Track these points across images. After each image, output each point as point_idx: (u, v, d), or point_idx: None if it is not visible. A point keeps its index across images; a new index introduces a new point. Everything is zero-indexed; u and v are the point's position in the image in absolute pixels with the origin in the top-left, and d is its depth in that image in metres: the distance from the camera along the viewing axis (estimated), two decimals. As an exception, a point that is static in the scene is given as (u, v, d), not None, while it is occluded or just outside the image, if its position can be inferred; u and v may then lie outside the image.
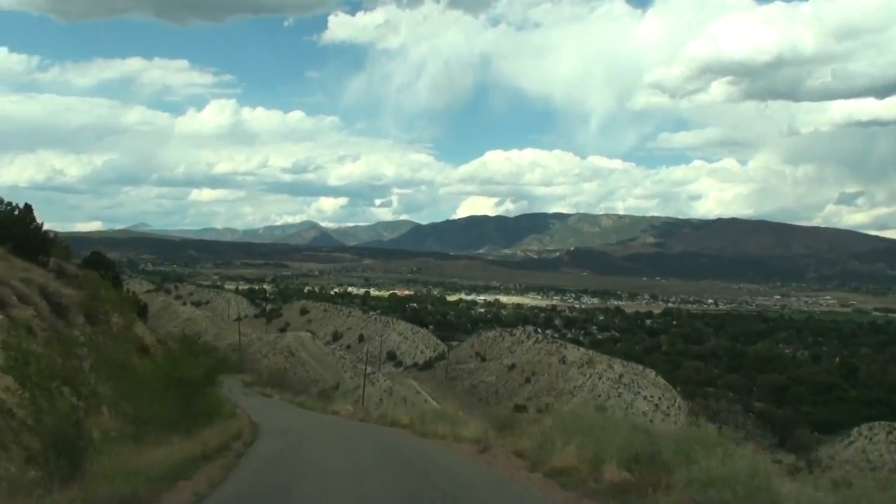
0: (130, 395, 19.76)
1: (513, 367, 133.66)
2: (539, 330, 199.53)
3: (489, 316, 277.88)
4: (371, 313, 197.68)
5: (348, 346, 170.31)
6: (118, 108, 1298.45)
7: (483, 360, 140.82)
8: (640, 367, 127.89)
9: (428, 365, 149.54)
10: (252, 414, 34.75)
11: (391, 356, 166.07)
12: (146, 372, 22.53)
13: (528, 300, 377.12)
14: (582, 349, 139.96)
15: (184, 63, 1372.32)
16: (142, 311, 42.97)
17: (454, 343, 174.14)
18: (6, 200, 29.10)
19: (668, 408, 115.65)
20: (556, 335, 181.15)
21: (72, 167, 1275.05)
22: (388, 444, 21.52)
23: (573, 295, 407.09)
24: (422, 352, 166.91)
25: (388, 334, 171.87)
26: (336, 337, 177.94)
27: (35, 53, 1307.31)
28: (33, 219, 29.40)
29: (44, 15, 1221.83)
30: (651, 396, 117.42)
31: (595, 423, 15.46)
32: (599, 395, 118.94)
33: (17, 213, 28.92)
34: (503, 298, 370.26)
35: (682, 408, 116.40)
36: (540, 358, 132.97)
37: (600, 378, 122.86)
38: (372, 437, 24.12)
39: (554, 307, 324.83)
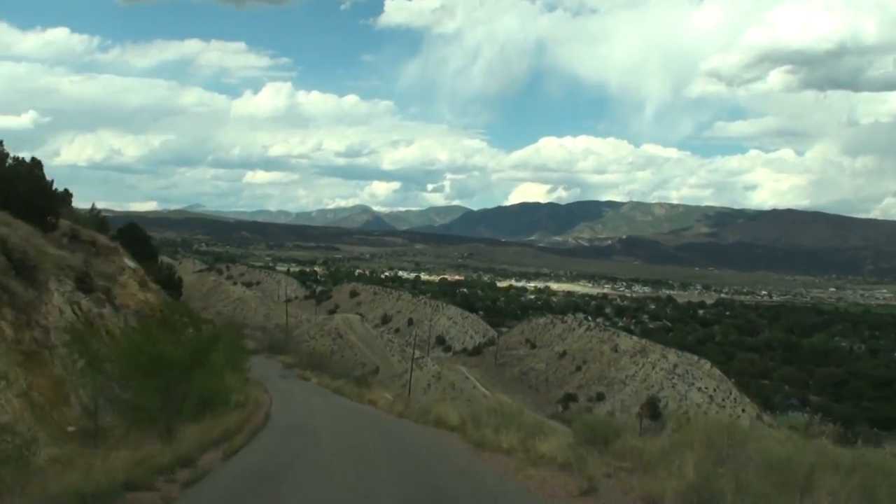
0: (94, 379, 15.76)
1: (563, 354, 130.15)
2: (590, 318, 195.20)
3: (539, 303, 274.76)
4: (421, 297, 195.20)
5: (397, 330, 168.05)
6: (175, 90, 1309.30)
7: (533, 346, 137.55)
8: (695, 358, 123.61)
9: (477, 350, 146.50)
10: (275, 402, 32.23)
11: (440, 341, 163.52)
12: (115, 349, 17.33)
13: (579, 288, 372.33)
14: (634, 338, 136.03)
15: (241, 45, 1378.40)
16: (174, 285, 40.40)
17: (504, 329, 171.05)
18: (11, 154, 26.21)
19: (723, 400, 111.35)
20: (608, 323, 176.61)
21: (129, 147, 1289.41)
22: (427, 464, 15.47)
23: (624, 283, 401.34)
24: (471, 337, 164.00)
25: (437, 319, 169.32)
26: (385, 320, 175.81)
27: (96, 34, 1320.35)
28: (41, 175, 26.43)
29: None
30: (706, 388, 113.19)
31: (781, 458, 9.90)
32: (652, 386, 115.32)
33: (21, 167, 25.76)
34: (553, 285, 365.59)
35: (737, 400, 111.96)
36: (591, 346, 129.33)
37: (653, 368, 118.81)
38: (406, 448, 18.48)
39: (605, 295, 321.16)
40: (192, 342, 18.48)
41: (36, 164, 26.77)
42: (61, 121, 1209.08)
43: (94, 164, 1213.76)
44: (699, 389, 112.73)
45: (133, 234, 41.86)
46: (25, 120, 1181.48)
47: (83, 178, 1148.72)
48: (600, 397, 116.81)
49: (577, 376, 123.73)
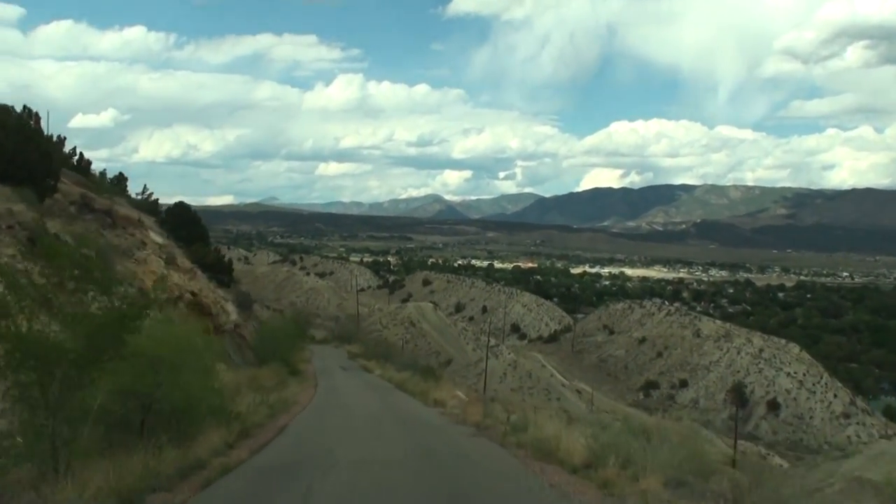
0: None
1: (643, 340, 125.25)
2: (667, 303, 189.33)
3: (614, 288, 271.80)
4: (495, 285, 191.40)
5: (471, 318, 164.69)
6: (249, 84, 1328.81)
7: (611, 332, 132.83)
8: (782, 342, 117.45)
9: (553, 338, 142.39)
10: (314, 402, 27.14)
11: (515, 328, 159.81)
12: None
13: (654, 273, 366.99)
14: (718, 322, 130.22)
15: (312, 38, 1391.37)
16: (223, 268, 37.32)
17: (580, 316, 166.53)
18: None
19: (813, 385, 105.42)
20: (686, 308, 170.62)
21: (205, 142, 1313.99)
22: None
23: (700, 267, 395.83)
24: (546, 324, 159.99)
25: (512, 306, 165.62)
26: (458, 308, 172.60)
27: (171, 31, 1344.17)
28: (37, 129, 22.71)
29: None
30: (795, 373, 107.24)
31: None
32: (738, 371, 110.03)
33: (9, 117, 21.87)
34: (628, 271, 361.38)
35: (828, 385, 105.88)
36: (672, 331, 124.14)
37: (738, 353, 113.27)
38: None
39: (681, 280, 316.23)
40: (93, 319, 10.44)
41: (30, 114, 23.30)
42: (139, 118, 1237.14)
43: (172, 159, 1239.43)
44: (788, 374, 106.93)
45: (182, 215, 38.98)
46: (105, 118, 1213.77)
47: (161, 173, 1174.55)
48: (683, 384, 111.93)
49: (657, 363, 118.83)
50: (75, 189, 24.11)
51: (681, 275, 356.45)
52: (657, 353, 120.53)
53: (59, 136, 30.07)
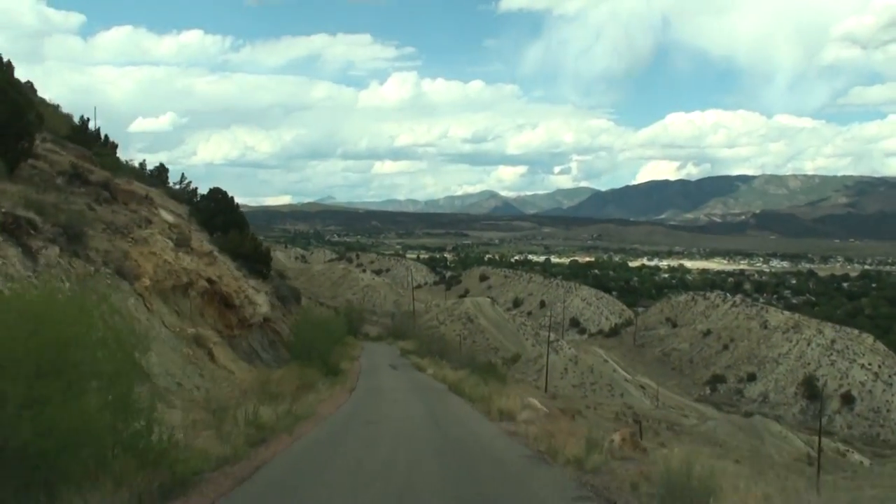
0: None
1: (708, 332, 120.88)
2: (729, 295, 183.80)
3: (674, 281, 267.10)
4: (553, 279, 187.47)
5: (529, 313, 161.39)
6: (304, 85, 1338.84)
7: (674, 325, 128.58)
8: (855, 332, 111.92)
9: (614, 331, 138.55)
10: (331, 419, 18.91)
11: (574, 322, 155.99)
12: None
13: (714, 265, 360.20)
14: (786, 313, 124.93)
15: (367, 37, 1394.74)
16: (260, 258, 34.08)
17: (640, 309, 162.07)
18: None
19: (889, 377, 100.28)
20: (750, 300, 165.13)
21: (262, 143, 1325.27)
22: None
23: (761, 259, 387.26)
24: (606, 318, 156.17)
25: (570, 300, 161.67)
26: (516, 303, 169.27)
27: (228, 34, 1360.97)
28: (10, 80, 19.59)
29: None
30: (869, 364, 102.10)
31: None
32: (808, 364, 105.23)
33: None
34: (687, 263, 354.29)
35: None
36: (738, 323, 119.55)
37: (808, 344, 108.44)
38: None
39: (742, 271, 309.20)
40: None
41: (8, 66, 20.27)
42: (197, 120, 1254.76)
43: (230, 160, 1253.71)
44: (862, 366, 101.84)
45: (217, 200, 35.86)
46: (164, 122, 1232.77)
47: (219, 175, 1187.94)
48: (751, 378, 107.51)
49: (724, 356, 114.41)
50: (68, 159, 21.20)
51: (741, 266, 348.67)
52: (723, 346, 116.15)
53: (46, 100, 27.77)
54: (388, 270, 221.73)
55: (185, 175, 42.35)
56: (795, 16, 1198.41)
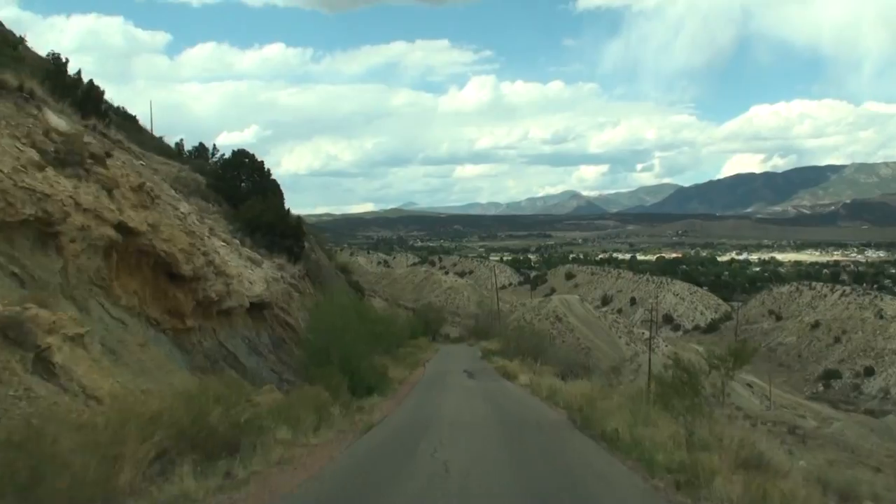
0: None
1: (816, 325, 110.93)
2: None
3: (766, 274, 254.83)
4: (642, 275, 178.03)
5: (619, 311, 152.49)
6: (384, 93, 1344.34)
7: (778, 318, 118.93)
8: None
9: (712, 327, 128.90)
10: None
11: (667, 319, 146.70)
12: None
13: (806, 256, 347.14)
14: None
15: (444, 43, 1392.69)
16: (290, 233, 26.79)
17: (735, 304, 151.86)
18: None
19: None
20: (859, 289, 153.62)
21: (345, 152, 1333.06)
22: None
23: (855, 249, 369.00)
24: (701, 313, 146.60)
25: (662, 296, 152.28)
26: (605, 301, 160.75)
27: (308, 46, 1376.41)
28: None
29: (314, 10, 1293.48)
30: None
31: None
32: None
33: None
34: (778, 256, 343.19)
35: None
36: (850, 313, 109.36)
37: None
38: None
39: (836, 262, 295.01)
40: None
41: None
42: (281, 132, 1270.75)
43: (313, 171, 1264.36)
44: None
45: (241, 165, 28.90)
46: (248, 135, 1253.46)
47: (304, 185, 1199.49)
48: (869, 372, 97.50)
49: (836, 349, 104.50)
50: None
51: (834, 257, 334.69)
52: (834, 339, 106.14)
53: None
54: (471, 272, 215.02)
55: (217, 147, 35.90)
56: (882, 2, 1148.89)
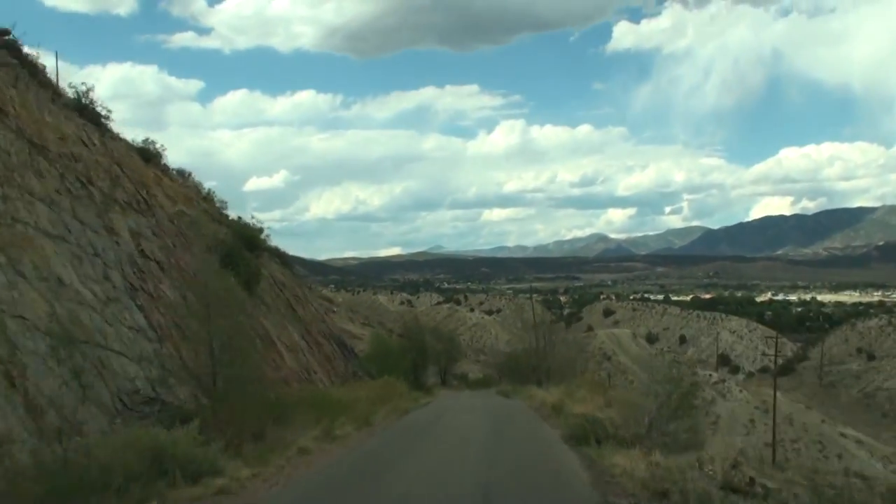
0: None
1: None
2: None
3: (811, 314, 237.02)
4: (692, 311, 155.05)
5: (667, 349, 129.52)
6: (414, 138, 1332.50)
7: (871, 357, 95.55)
8: None
9: (787, 368, 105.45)
10: None
11: (724, 360, 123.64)
12: None
13: (846, 297, 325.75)
14: None
15: (474, 88, 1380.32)
16: None
17: (795, 344, 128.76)
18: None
19: None
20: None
21: (373, 197, 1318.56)
22: None
23: (894, 290, 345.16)
24: (763, 353, 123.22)
25: (717, 333, 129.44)
26: (650, 339, 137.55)
27: (339, 92, 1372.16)
28: None
29: (343, 55, 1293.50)
30: None
31: None
32: None
33: None
34: (818, 297, 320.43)
35: None
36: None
37: None
38: None
39: (881, 302, 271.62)
40: None
41: None
42: (310, 177, 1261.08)
43: (341, 215, 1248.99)
44: None
45: None
46: (277, 180, 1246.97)
47: (333, 229, 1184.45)
48: None
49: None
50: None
51: (875, 298, 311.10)
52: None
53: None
54: (499, 311, 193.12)
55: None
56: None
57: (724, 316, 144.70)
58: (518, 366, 55.22)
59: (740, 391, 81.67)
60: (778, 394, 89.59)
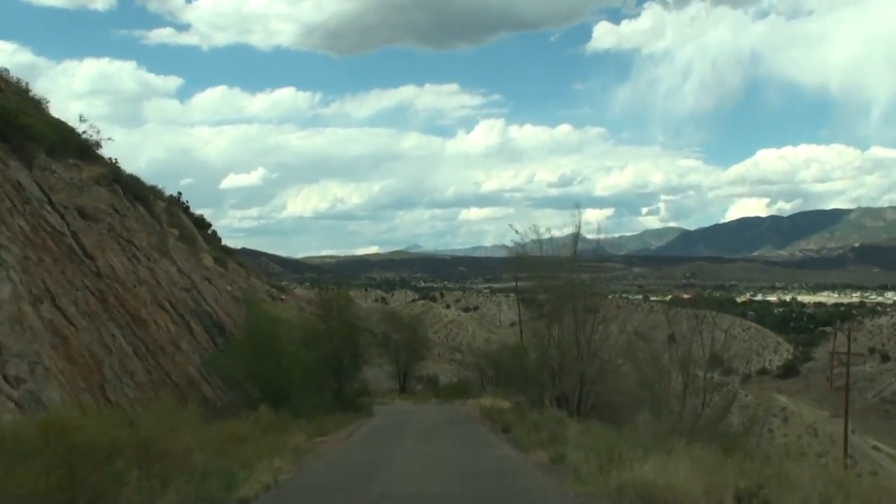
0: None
1: (948, 367, 77.73)
2: None
3: (794, 314, 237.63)
4: (679, 308, 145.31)
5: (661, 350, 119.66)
6: (394, 136, 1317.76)
7: (885, 358, 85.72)
8: None
9: (789, 370, 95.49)
10: None
11: (716, 360, 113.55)
12: None
13: (825, 298, 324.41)
14: None
15: (454, 87, 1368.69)
16: None
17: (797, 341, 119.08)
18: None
19: None
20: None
21: (352, 195, 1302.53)
22: None
23: (873, 291, 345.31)
24: (758, 353, 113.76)
25: (708, 332, 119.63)
26: (640, 338, 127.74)
27: (318, 90, 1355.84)
28: None
29: (322, 53, 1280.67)
30: None
31: None
32: None
33: None
34: (798, 297, 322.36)
35: None
36: None
37: None
38: None
39: (862, 303, 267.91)
40: None
41: None
42: (287, 175, 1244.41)
43: (319, 213, 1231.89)
44: None
45: None
46: (255, 177, 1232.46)
47: (309, 228, 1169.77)
48: None
49: None
50: None
51: (854, 299, 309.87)
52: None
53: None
54: (476, 308, 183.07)
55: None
56: (891, 44, 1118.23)
57: (713, 314, 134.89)
58: (521, 369, 35.87)
59: (746, 396, 71.56)
60: (783, 398, 79.88)
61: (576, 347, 27.78)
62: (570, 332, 29.35)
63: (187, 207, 77.41)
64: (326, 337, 29.98)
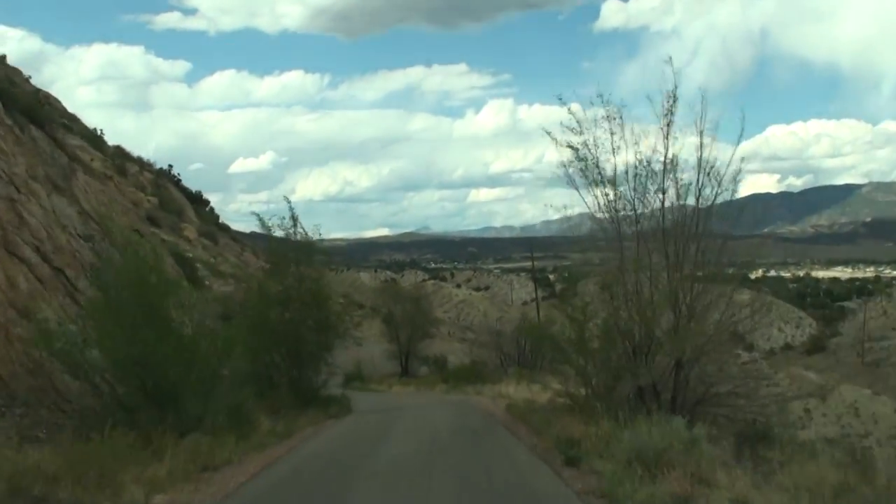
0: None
1: None
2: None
3: (809, 289, 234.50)
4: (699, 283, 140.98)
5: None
6: (402, 118, 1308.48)
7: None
8: None
9: (817, 345, 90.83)
10: None
11: (736, 336, 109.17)
12: None
13: (839, 273, 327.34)
14: None
15: (463, 67, 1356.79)
16: None
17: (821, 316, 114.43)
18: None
19: None
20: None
21: (361, 178, 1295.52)
22: None
23: (888, 266, 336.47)
24: (779, 329, 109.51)
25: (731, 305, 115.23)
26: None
27: (326, 72, 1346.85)
28: None
29: (330, 36, 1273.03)
30: None
31: None
32: None
33: None
34: (812, 273, 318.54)
35: None
36: None
37: None
38: None
39: (877, 277, 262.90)
40: None
41: None
42: (297, 158, 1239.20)
43: (329, 196, 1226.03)
44: None
45: None
46: (264, 161, 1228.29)
47: (319, 211, 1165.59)
48: None
49: None
50: None
51: (868, 273, 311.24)
52: None
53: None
54: (487, 288, 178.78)
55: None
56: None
57: (732, 288, 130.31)
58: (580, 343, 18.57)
59: (774, 372, 66.98)
60: (809, 374, 75.27)
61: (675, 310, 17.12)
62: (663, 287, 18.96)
63: (179, 181, 73.52)
64: (278, 301, 21.72)
